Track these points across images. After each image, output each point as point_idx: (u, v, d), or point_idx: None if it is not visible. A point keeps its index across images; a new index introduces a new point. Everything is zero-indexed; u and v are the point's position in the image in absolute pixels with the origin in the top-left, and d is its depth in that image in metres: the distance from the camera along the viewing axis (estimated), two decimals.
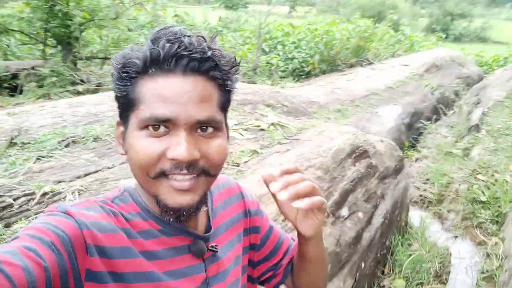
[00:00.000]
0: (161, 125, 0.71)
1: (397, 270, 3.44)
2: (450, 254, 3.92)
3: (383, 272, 3.47)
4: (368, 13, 19.03)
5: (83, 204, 0.76)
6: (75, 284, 0.65)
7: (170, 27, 0.74)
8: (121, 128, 0.80)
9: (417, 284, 3.37)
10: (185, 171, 0.72)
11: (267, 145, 3.07)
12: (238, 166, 2.67)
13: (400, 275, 3.41)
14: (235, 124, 3.37)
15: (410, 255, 3.52)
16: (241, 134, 3.18)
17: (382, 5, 23.55)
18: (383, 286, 3.35)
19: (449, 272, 3.73)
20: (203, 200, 0.78)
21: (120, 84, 0.74)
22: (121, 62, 0.74)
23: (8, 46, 8.40)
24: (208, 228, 0.89)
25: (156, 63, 0.71)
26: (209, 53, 0.73)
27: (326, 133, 3.32)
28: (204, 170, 0.75)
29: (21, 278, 0.55)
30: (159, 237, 0.80)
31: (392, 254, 3.56)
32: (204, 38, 0.74)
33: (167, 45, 0.71)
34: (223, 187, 1.00)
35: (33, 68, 6.60)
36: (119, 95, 0.76)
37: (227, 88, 0.78)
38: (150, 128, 0.71)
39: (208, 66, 0.73)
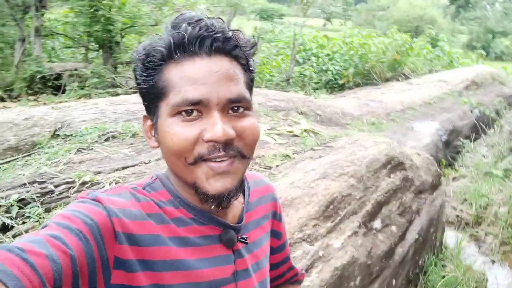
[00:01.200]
0: (194, 109, 0.71)
1: None
2: (487, 280, 3.74)
3: None
4: (405, 28, 18.77)
5: (114, 190, 0.76)
6: (103, 272, 0.65)
7: (186, 12, 0.74)
8: (149, 122, 0.80)
9: None
10: (222, 153, 0.71)
11: (300, 150, 3.05)
12: (270, 169, 2.66)
13: None
14: (268, 129, 3.37)
15: (444, 276, 3.38)
16: (274, 139, 3.17)
17: (420, 20, 23.18)
18: None
19: None
20: (240, 185, 0.77)
21: (146, 74, 0.74)
22: (144, 53, 0.74)
23: (53, 48, 8.80)
24: (240, 220, 0.88)
25: (181, 47, 0.71)
26: (230, 33, 0.73)
27: (360, 142, 3.26)
28: (239, 151, 0.74)
29: (45, 267, 0.54)
30: (190, 225, 0.79)
31: (424, 274, 3.43)
32: (222, 19, 0.75)
33: (189, 28, 0.71)
34: (260, 184, 0.99)
35: (75, 70, 6.88)
36: (145, 86, 0.75)
37: (250, 68, 0.79)
38: (183, 113, 0.71)
39: (230, 45, 0.73)
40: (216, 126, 0.69)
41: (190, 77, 0.70)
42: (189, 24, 0.71)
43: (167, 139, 0.72)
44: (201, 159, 0.71)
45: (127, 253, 0.69)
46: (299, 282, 1.17)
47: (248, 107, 0.76)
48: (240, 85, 0.74)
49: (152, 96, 0.75)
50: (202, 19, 0.72)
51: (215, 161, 0.71)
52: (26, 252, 0.54)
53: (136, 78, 0.77)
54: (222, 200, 0.74)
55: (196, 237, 0.79)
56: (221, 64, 0.72)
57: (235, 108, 0.74)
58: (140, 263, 0.70)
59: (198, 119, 0.71)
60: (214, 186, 0.72)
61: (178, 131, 0.71)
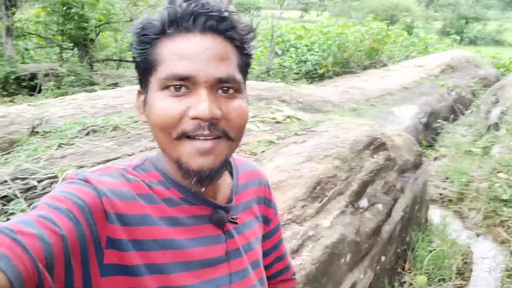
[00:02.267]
0: (182, 85, 0.70)
1: (418, 266, 3.37)
2: (472, 253, 3.83)
3: (403, 268, 3.40)
4: (380, 16, 18.97)
5: (103, 170, 0.75)
6: (96, 253, 0.64)
7: None
8: (142, 97, 0.79)
9: (439, 280, 3.30)
10: (207, 132, 0.70)
11: (284, 136, 3.06)
12: (256, 155, 2.66)
13: (421, 271, 3.34)
14: (252, 117, 3.37)
15: (431, 251, 3.45)
16: (257, 126, 3.17)
17: (395, 8, 23.46)
18: (404, 282, 3.28)
19: (471, 270, 3.65)
20: (224, 165, 0.77)
21: (140, 48, 0.74)
22: (140, 26, 0.74)
23: (26, 49, 8.57)
24: (229, 201, 0.88)
25: (174, 22, 0.71)
26: (226, 13, 0.73)
27: (342, 125, 3.29)
28: (225, 132, 0.73)
29: (36, 247, 0.53)
30: (180, 205, 0.78)
31: (412, 250, 3.49)
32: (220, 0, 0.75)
33: (184, 4, 0.71)
34: (248, 168, 0.99)
35: (51, 69, 6.72)
36: (138, 59, 0.75)
37: (245, 52, 0.77)
38: (171, 88, 0.70)
39: (225, 26, 0.72)
40: (202, 104, 0.69)
41: (180, 52, 0.70)
42: (185, 0, 0.71)
43: (153, 113, 0.72)
44: (184, 136, 0.71)
45: (119, 233, 0.68)
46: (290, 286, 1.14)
47: (238, 89, 0.75)
48: (231, 66, 0.73)
49: (144, 70, 0.75)
50: None
51: (199, 139, 0.71)
52: (16, 233, 0.53)
53: (131, 51, 0.77)
54: (203, 177, 0.73)
55: (186, 217, 0.78)
56: (213, 43, 0.71)
57: (225, 89, 0.73)
58: (132, 242, 0.70)
59: (185, 95, 0.71)
60: (196, 162, 0.71)
61: (165, 105, 0.70)
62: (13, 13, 6.52)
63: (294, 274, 1.15)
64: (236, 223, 0.87)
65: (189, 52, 0.70)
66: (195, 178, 0.73)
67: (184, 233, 0.77)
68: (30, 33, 8.32)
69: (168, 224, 0.75)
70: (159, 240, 0.73)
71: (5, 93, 5.92)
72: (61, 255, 0.57)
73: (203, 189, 0.79)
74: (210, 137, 0.71)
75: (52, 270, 0.55)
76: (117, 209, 0.69)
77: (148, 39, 0.73)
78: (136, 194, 0.73)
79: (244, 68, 0.78)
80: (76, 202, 0.63)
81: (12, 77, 6.11)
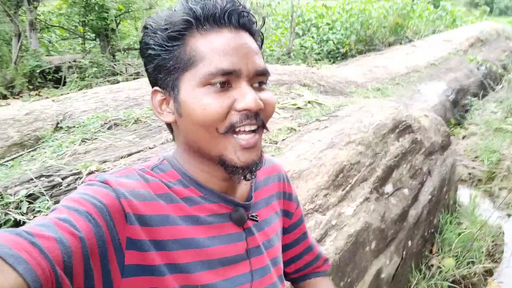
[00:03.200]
0: (224, 81, 0.71)
1: (446, 249, 3.31)
2: (503, 233, 3.73)
3: (431, 251, 3.35)
4: None
5: (122, 172, 0.75)
6: (116, 254, 0.65)
7: None
8: (159, 96, 0.78)
9: (468, 263, 3.23)
10: (254, 121, 0.73)
11: (305, 122, 3.01)
12: (276, 143, 2.64)
13: (449, 254, 3.27)
14: None
15: (460, 233, 3.37)
16: (278, 113, 3.13)
17: None
18: (432, 265, 3.23)
19: (503, 251, 3.55)
20: (262, 156, 0.80)
21: (168, 44, 0.72)
22: (167, 22, 0.72)
23: (50, 42, 8.74)
24: (249, 199, 0.88)
25: (210, 18, 0.72)
26: (250, 10, 0.76)
27: (365, 109, 3.21)
28: (263, 122, 0.76)
29: (54, 250, 0.54)
30: (200, 203, 0.79)
31: (440, 233, 3.42)
32: None
33: (219, 1, 0.72)
34: (267, 164, 0.99)
35: (74, 61, 6.84)
36: (166, 57, 0.73)
37: (261, 45, 0.82)
38: (217, 85, 0.71)
39: (252, 22, 0.77)
40: (249, 96, 0.72)
41: (221, 48, 0.71)
42: None
43: (196, 110, 0.72)
44: (231, 129, 0.72)
45: (139, 234, 0.68)
46: (324, 273, 1.13)
47: (266, 81, 0.79)
48: (262, 59, 0.78)
49: (174, 68, 0.74)
50: None
51: (244, 131, 0.73)
52: (34, 236, 0.54)
53: (148, 50, 0.74)
54: (251, 171, 0.76)
55: (206, 215, 0.79)
56: (246, 38, 0.75)
57: (259, 82, 0.76)
58: (152, 243, 0.70)
59: (228, 90, 0.72)
60: (242, 158, 0.74)
61: (210, 101, 0.71)
62: (36, 7, 6.62)
63: (327, 259, 1.15)
64: (257, 220, 0.87)
65: (230, 48, 0.72)
66: (242, 174, 0.76)
67: (205, 231, 0.78)
68: (53, 26, 8.45)
69: (188, 223, 0.76)
70: (179, 239, 0.74)
71: (31, 87, 6.08)
72: (80, 258, 0.57)
73: (222, 186, 0.81)
74: (255, 126, 0.74)
75: (71, 273, 0.56)
76: (137, 210, 0.69)
77: (179, 35, 0.72)
78: (155, 194, 0.74)
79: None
80: (95, 204, 0.64)
81: (38, 70, 6.25)
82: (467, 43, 8.63)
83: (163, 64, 0.74)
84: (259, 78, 0.76)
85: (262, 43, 0.82)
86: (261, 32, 0.81)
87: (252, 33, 0.77)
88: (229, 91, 0.73)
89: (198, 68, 0.71)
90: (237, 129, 0.73)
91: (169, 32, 0.72)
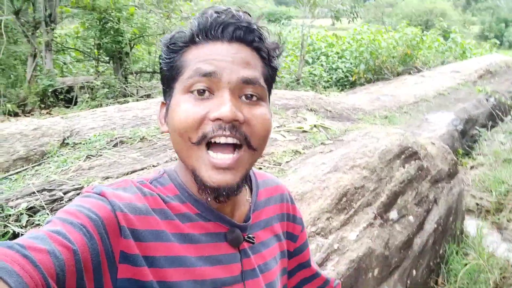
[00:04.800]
0: (206, 89, 0.70)
1: (452, 281, 3.21)
2: (511, 266, 3.62)
3: (436, 282, 3.25)
4: (415, 22, 18.54)
5: (119, 184, 0.75)
6: (109, 267, 0.64)
7: (216, 5, 0.77)
8: (165, 108, 0.80)
9: None
10: (228, 132, 0.69)
11: (310, 146, 3.01)
12: (280, 165, 2.63)
13: (455, 285, 3.17)
14: (277, 126, 3.34)
15: (466, 264, 3.28)
16: (283, 136, 3.14)
17: (430, 13, 22.88)
18: None
19: (510, 285, 3.44)
20: (243, 181, 0.75)
21: (168, 57, 0.76)
22: (170, 37, 0.76)
23: (64, 63, 8.96)
24: (247, 219, 0.85)
25: (203, 31, 0.73)
26: (255, 26, 0.74)
27: (371, 134, 3.20)
28: (247, 139, 0.72)
29: (47, 263, 0.53)
30: (195, 221, 0.77)
31: (446, 264, 3.33)
32: (249, 14, 0.76)
33: (215, 14, 0.73)
34: (269, 184, 0.96)
35: (86, 82, 6.99)
36: (165, 68, 0.76)
37: (271, 65, 0.78)
38: (195, 92, 0.71)
39: (253, 37, 0.74)
40: (224, 106, 0.68)
41: (206, 56, 0.72)
42: (216, 12, 0.73)
43: (174, 117, 0.72)
44: (204, 140, 0.70)
45: (132, 248, 0.67)
46: None
47: (262, 96, 0.75)
48: (256, 71, 0.74)
49: (170, 78, 0.76)
50: (229, 9, 0.74)
51: (219, 143, 0.70)
52: (27, 249, 0.53)
53: (160, 64, 0.79)
54: (221, 194, 0.72)
55: (200, 234, 0.77)
56: (240, 50, 0.73)
57: (249, 96, 0.73)
58: (145, 258, 0.69)
59: (208, 99, 0.71)
60: (214, 178, 0.70)
61: (187, 108, 0.70)
62: (53, 29, 6.83)
63: (336, 280, 1.11)
64: (253, 242, 0.84)
65: (215, 55, 0.72)
66: (212, 195, 0.72)
67: (198, 251, 0.76)
68: (68, 48, 8.69)
69: (182, 241, 0.74)
70: (171, 257, 0.72)
71: (43, 105, 6.20)
72: (73, 270, 0.57)
73: (219, 205, 0.78)
74: (231, 139, 0.70)
75: (64, 285, 0.55)
76: (132, 224, 0.68)
77: (176, 48, 0.75)
78: (152, 209, 0.73)
79: (269, 79, 0.79)
80: (90, 217, 0.63)
81: (50, 90, 6.39)
82: (476, 74, 8.65)
83: (165, 75, 0.77)
84: (247, 90, 0.72)
85: (270, 60, 0.77)
86: (269, 47, 0.77)
87: (254, 47, 0.75)
88: (209, 99, 0.71)
89: (183, 75, 0.73)
90: (211, 140, 0.70)
91: (169, 45, 0.76)
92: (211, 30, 0.73)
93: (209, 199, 0.74)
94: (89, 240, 0.61)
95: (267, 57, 0.77)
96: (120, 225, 0.66)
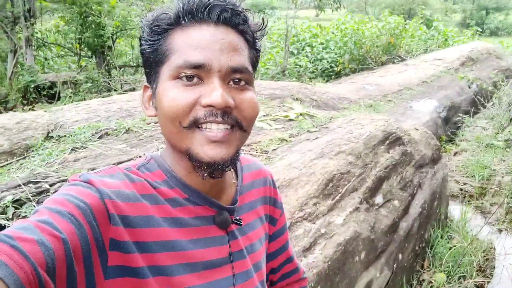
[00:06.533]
0: (195, 75, 0.71)
1: (437, 264, 3.29)
2: (494, 249, 3.72)
3: (422, 266, 3.32)
4: (397, 11, 18.64)
5: (106, 171, 0.75)
6: (100, 255, 0.64)
7: None
8: (148, 92, 0.80)
9: (459, 278, 3.21)
10: (220, 119, 0.70)
11: (296, 133, 3.03)
12: (267, 153, 2.65)
13: (440, 269, 3.25)
14: (263, 116, 3.36)
15: (451, 248, 3.36)
16: (269, 125, 3.15)
17: (412, 2, 23.05)
18: (423, 280, 3.20)
19: (494, 267, 3.53)
20: (236, 157, 0.76)
21: (151, 39, 0.74)
22: (153, 18, 0.75)
23: (45, 59, 8.80)
24: (233, 202, 0.87)
25: (189, 13, 0.72)
26: (240, 8, 0.74)
27: (356, 121, 3.24)
28: (238, 122, 0.73)
29: (36, 253, 0.53)
30: (184, 205, 0.78)
31: (431, 248, 3.40)
32: None
33: None
34: (253, 168, 0.98)
35: (69, 77, 6.89)
36: (149, 51, 0.75)
37: (255, 47, 0.79)
38: (184, 78, 0.71)
39: (239, 19, 0.74)
40: (216, 92, 0.69)
41: (194, 42, 0.71)
42: None
43: (164, 102, 0.72)
44: (196, 124, 0.71)
45: (123, 235, 0.68)
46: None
47: (249, 81, 0.76)
48: (243, 57, 0.74)
49: (154, 61, 0.75)
50: None
51: (210, 129, 0.71)
52: (15, 239, 0.53)
53: (140, 45, 0.77)
54: (216, 169, 0.73)
55: (190, 218, 0.78)
56: (227, 34, 0.73)
57: (237, 80, 0.73)
58: (135, 244, 0.69)
59: (198, 84, 0.71)
60: (209, 153, 0.71)
61: (176, 94, 0.70)
62: (32, 24, 6.69)
63: (304, 273, 1.13)
64: (240, 224, 0.86)
65: (203, 42, 0.71)
66: (207, 170, 0.73)
67: (188, 234, 0.77)
68: (49, 43, 8.53)
69: (172, 225, 0.75)
70: (162, 242, 0.73)
71: (25, 102, 6.10)
72: (63, 259, 0.57)
73: (207, 189, 0.80)
74: (223, 126, 0.71)
75: (54, 274, 0.55)
76: (121, 210, 0.68)
77: (160, 30, 0.74)
78: (140, 194, 0.73)
79: (254, 62, 0.80)
80: (78, 205, 0.63)
81: (32, 86, 6.28)
82: (459, 62, 8.77)
83: (148, 58, 0.76)
84: (235, 76, 0.73)
85: (254, 42, 0.78)
86: (253, 30, 0.78)
87: (239, 30, 0.75)
88: (199, 85, 0.71)
89: (171, 60, 0.72)
90: (201, 126, 0.71)
91: (152, 27, 0.74)
92: (197, 12, 0.72)
93: (205, 175, 0.74)
94: (78, 229, 0.60)
95: (252, 40, 0.78)
96: (109, 213, 0.66)
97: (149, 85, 0.79)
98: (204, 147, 0.71)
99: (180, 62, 0.70)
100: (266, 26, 0.80)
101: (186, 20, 0.73)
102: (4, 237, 0.53)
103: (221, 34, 0.72)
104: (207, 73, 0.71)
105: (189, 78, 0.71)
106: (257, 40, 0.79)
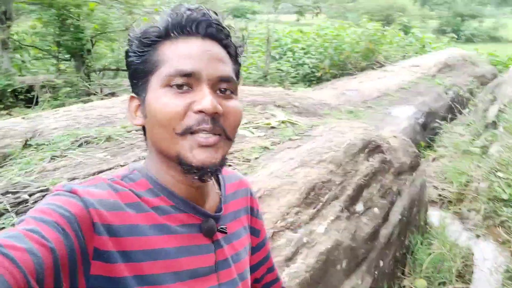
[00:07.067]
0: (185, 83, 0.74)
1: (418, 270, 3.34)
2: (473, 254, 3.81)
3: (403, 273, 3.38)
4: (376, 17, 18.95)
5: (90, 181, 0.75)
6: (83, 263, 0.64)
7: (184, 3, 0.80)
8: (135, 102, 0.81)
9: (439, 284, 3.27)
10: (209, 126, 0.73)
11: (278, 141, 3.05)
12: (249, 161, 2.66)
13: (420, 275, 3.31)
14: (245, 123, 3.36)
15: (430, 254, 3.43)
16: (252, 132, 3.17)
17: (390, 8, 23.51)
18: (404, 286, 3.26)
19: (472, 272, 3.62)
20: (224, 163, 0.79)
21: (140, 51, 0.77)
22: (141, 31, 0.78)
23: (23, 62, 8.59)
24: (218, 210, 0.88)
25: (178, 27, 0.76)
26: (224, 24, 0.80)
27: (337, 129, 3.28)
28: (224, 131, 0.76)
29: (27, 261, 0.53)
30: (170, 213, 0.78)
31: (412, 254, 3.47)
32: (216, 13, 0.81)
33: (188, 11, 0.77)
34: (234, 179, 1.00)
35: (48, 81, 6.74)
36: (138, 62, 0.78)
37: (238, 61, 0.84)
38: (174, 86, 0.73)
39: (223, 34, 0.80)
40: (206, 98, 0.72)
41: (184, 52, 0.75)
42: (188, 9, 0.77)
43: (156, 108, 0.74)
44: (189, 131, 0.73)
45: (107, 244, 0.68)
46: None
47: (234, 90, 0.80)
48: (229, 67, 0.79)
49: (143, 72, 0.78)
50: (200, 6, 0.79)
51: (202, 133, 0.73)
52: (5, 247, 0.53)
53: (128, 57, 0.80)
54: (205, 173, 0.75)
55: (176, 225, 0.78)
56: (213, 47, 0.78)
57: (223, 90, 0.77)
58: (120, 254, 0.69)
59: (188, 92, 0.74)
60: (198, 157, 0.73)
61: (169, 100, 0.73)
62: (9, 26, 6.53)
63: (285, 283, 1.15)
64: (226, 233, 0.87)
65: (193, 53, 0.75)
66: (197, 174, 0.75)
67: (174, 241, 0.77)
68: (26, 45, 8.34)
69: (158, 233, 0.75)
70: (148, 250, 0.73)
71: (1, 106, 5.94)
72: (51, 268, 0.57)
73: (193, 196, 0.81)
74: (212, 134, 0.74)
75: (43, 283, 0.55)
76: (105, 220, 0.68)
77: (150, 41, 0.77)
78: (124, 204, 0.73)
79: (237, 74, 0.85)
80: (63, 214, 0.63)
81: (9, 90, 6.12)
82: (435, 68, 8.98)
83: (136, 68, 0.79)
84: (222, 85, 0.77)
85: (236, 56, 0.84)
86: (236, 45, 0.83)
87: (223, 45, 0.80)
88: (189, 93, 0.74)
89: (161, 70, 0.75)
90: (193, 133, 0.74)
91: (141, 39, 0.78)
92: (186, 26, 0.76)
93: (195, 177, 0.75)
94: (65, 238, 0.61)
95: (234, 54, 0.83)
96: (93, 222, 0.66)
97: (136, 95, 0.81)
98: (193, 151, 0.73)
99: (171, 71, 0.74)
100: (246, 41, 0.87)
101: (175, 33, 0.77)
102: None
103: (208, 46, 0.77)
104: (196, 81, 0.74)
105: (180, 86, 0.74)
106: (239, 55, 0.84)
